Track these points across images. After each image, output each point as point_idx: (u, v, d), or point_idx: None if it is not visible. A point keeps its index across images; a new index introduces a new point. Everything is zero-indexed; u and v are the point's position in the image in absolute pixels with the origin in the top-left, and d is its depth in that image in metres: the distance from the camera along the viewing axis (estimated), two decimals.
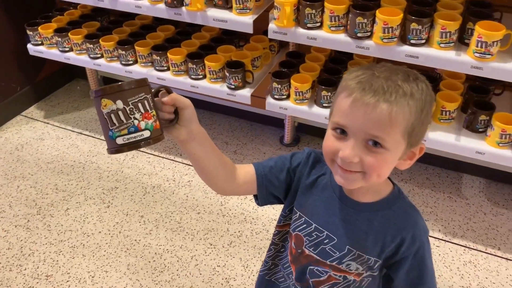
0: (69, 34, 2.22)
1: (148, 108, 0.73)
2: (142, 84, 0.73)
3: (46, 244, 1.98)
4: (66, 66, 2.91)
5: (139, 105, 0.72)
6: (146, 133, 0.73)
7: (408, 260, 0.86)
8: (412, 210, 0.90)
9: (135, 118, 0.72)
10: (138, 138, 0.73)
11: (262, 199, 0.96)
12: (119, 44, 2.13)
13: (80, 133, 2.65)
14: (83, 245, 1.98)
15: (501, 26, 1.45)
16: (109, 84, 0.73)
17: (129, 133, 0.72)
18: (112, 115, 0.71)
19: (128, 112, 0.71)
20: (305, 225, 0.92)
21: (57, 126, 2.69)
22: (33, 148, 2.52)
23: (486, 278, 1.84)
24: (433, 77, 1.87)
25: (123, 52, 2.13)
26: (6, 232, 2.03)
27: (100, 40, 2.15)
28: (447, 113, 1.73)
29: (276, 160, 0.96)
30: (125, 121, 0.72)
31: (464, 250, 1.96)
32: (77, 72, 3.05)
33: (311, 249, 0.91)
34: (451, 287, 1.80)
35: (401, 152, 0.79)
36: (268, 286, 1.09)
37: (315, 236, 0.90)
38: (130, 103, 0.71)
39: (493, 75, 1.50)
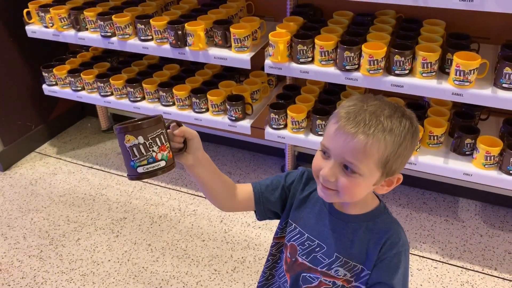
0: (81, 74, 2.39)
1: (163, 141, 0.84)
2: (159, 121, 0.84)
3: (58, 272, 2.07)
4: (77, 105, 3.08)
5: (157, 139, 0.83)
6: (162, 163, 0.85)
7: (382, 262, 0.93)
8: (394, 223, 0.98)
9: (153, 151, 0.83)
10: (156, 168, 0.84)
11: (260, 214, 1.08)
12: (128, 82, 2.29)
13: (91, 167, 2.77)
14: (93, 273, 2.06)
15: (477, 56, 1.58)
16: (130, 121, 0.84)
17: (148, 163, 0.83)
18: (134, 149, 0.81)
19: (148, 146, 0.82)
20: (298, 235, 1.02)
21: (69, 161, 2.83)
22: (46, 183, 2.64)
23: None
24: (421, 105, 1.99)
25: (132, 90, 2.28)
26: (20, 262, 2.13)
27: (110, 79, 2.31)
28: (435, 137, 1.83)
29: (272, 179, 1.08)
30: (145, 153, 0.82)
31: (461, 271, 2.01)
32: (88, 110, 3.21)
33: (304, 257, 1.00)
34: None
35: (375, 179, 0.88)
36: None
37: (307, 245, 1.00)
38: (149, 138, 0.82)
39: (472, 101, 1.61)
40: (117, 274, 2.05)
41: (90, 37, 2.19)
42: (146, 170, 0.84)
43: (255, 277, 2.00)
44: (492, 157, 1.71)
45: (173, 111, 2.24)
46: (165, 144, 0.84)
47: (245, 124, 2.09)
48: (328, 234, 0.97)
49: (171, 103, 2.25)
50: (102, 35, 2.14)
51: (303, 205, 1.03)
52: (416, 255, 2.10)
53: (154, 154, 0.83)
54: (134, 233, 2.28)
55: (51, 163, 2.82)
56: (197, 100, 2.15)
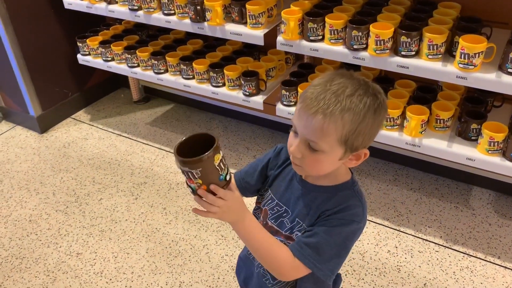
0: (111, 45, 2.54)
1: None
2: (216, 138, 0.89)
3: (79, 227, 2.26)
4: (112, 76, 3.26)
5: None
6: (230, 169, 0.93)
7: (324, 220, 0.97)
8: (354, 199, 1.00)
9: (226, 160, 0.91)
10: (231, 174, 0.93)
11: (249, 194, 1.17)
12: (153, 54, 2.41)
13: (119, 135, 2.95)
14: (111, 230, 2.23)
15: (483, 39, 1.56)
16: (181, 141, 0.89)
17: (228, 170, 0.91)
18: (221, 163, 0.88)
19: (224, 157, 0.90)
20: (270, 201, 1.09)
21: (100, 128, 3.02)
22: (78, 146, 2.85)
23: (481, 283, 1.90)
24: (432, 88, 1.98)
25: (156, 62, 2.41)
26: (48, 215, 2.33)
27: (136, 51, 2.45)
28: (442, 121, 1.83)
29: (252, 163, 1.16)
30: (226, 163, 0.90)
31: (463, 256, 2.02)
32: (122, 82, 3.39)
33: (272, 221, 1.08)
34: None
35: (339, 154, 0.92)
36: (245, 261, 1.25)
37: (276, 210, 1.07)
38: (221, 150, 0.88)
39: (476, 85, 1.60)
40: (132, 233, 2.21)
41: (119, 10, 2.32)
42: (229, 177, 0.92)
43: None
44: (496, 143, 1.70)
45: (192, 84, 2.34)
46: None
47: (258, 100, 2.16)
48: (294, 201, 1.04)
49: (191, 76, 2.36)
50: (129, 8, 2.27)
51: (279, 176, 1.10)
52: (419, 237, 2.12)
53: (226, 162, 0.91)
54: (152, 197, 2.43)
55: (84, 129, 3.02)
56: (215, 75, 2.24)
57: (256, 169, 1.13)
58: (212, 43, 2.53)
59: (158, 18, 2.22)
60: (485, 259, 2.00)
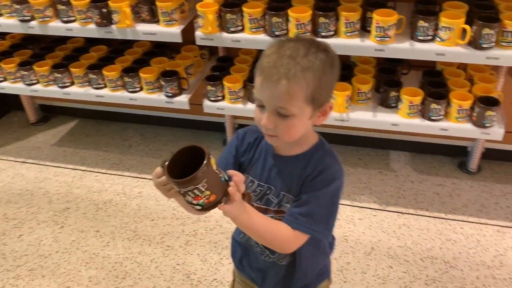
0: (0, 64, 2.26)
1: None
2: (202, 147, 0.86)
3: (2, 271, 1.99)
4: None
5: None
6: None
7: (308, 185, 1.01)
8: (330, 157, 1.05)
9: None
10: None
11: None
12: (54, 67, 2.20)
13: (24, 162, 2.65)
14: (41, 266, 2.01)
15: (393, 12, 1.69)
16: (172, 156, 0.86)
17: (222, 172, 0.88)
18: (216, 170, 0.85)
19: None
20: (251, 184, 1.09)
21: None
22: None
23: (419, 236, 2.07)
24: (349, 65, 2.10)
25: (59, 75, 2.20)
26: None
27: (34, 66, 2.21)
28: (363, 94, 1.95)
29: (220, 159, 1.12)
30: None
31: (398, 215, 2.19)
32: (12, 104, 3.04)
33: (258, 202, 1.09)
34: (389, 248, 2.01)
35: (309, 114, 0.94)
36: (243, 248, 1.22)
37: (259, 191, 1.08)
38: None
39: (394, 55, 1.73)
40: (67, 264, 2.01)
41: (6, 22, 2.07)
42: (227, 177, 0.90)
43: (209, 247, 2.05)
44: (415, 106, 1.86)
45: (106, 93, 2.19)
46: None
47: (183, 99, 2.09)
48: (274, 177, 1.06)
49: (102, 85, 2.20)
50: (20, 20, 2.03)
51: (252, 158, 1.10)
52: (356, 206, 2.24)
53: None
54: (79, 222, 2.23)
55: None
56: (130, 80, 2.12)
57: (228, 162, 1.11)
58: (118, 47, 2.38)
59: (56, 27, 2.02)
60: (416, 213, 2.19)
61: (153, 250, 2.05)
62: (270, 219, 1.03)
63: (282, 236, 1.00)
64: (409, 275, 1.89)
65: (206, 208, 0.87)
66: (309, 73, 0.89)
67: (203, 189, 0.83)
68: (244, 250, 1.21)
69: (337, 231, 2.10)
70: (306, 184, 1.00)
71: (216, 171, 0.85)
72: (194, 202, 0.85)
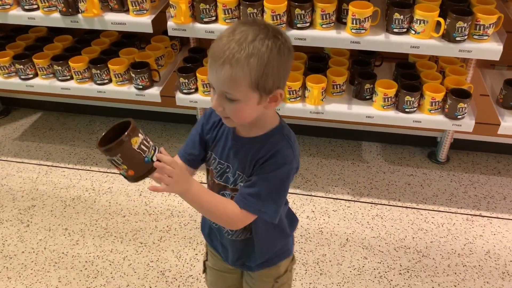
0: None
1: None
2: (132, 121, 0.89)
3: None
4: None
5: (140, 130, 0.90)
6: (156, 147, 0.92)
7: (259, 168, 1.02)
8: (285, 142, 1.04)
9: (150, 141, 0.90)
10: (158, 151, 0.92)
11: (197, 165, 1.15)
12: (16, 58, 2.08)
13: None
14: (7, 268, 1.91)
15: (369, 4, 1.68)
16: (114, 129, 0.88)
17: (155, 151, 0.90)
18: (142, 145, 0.87)
19: (146, 139, 0.89)
20: (213, 161, 1.11)
21: None
22: None
23: (392, 226, 2.10)
24: (323, 57, 2.09)
25: (21, 67, 2.08)
26: None
27: None
28: (337, 86, 1.95)
29: (189, 137, 1.15)
30: (149, 144, 0.89)
31: (371, 206, 2.21)
32: None
33: (218, 178, 1.11)
34: (364, 239, 2.03)
35: (256, 100, 0.94)
36: (205, 218, 1.26)
37: (220, 168, 1.10)
38: (141, 132, 0.89)
39: (369, 47, 1.73)
40: (34, 265, 1.92)
41: None
42: (156, 159, 0.91)
43: (183, 243, 2.01)
44: (389, 98, 1.87)
45: (71, 86, 2.09)
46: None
47: (154, 92, 2.03)
48: (232, 156, 1.08)
49: (68, 77, 2.10)
50: None
51: (216, 136, 1.12)
52: (330, 198, 2.25)
53: (152, 143, 0.90)
54: (46, 219, 2.13)
55: None
56: (98, 71, 2.03)
57: (195, 139, 1.13)
58: (84, 37, 2.28)
59: (17, 16, 1.91)
60: (389, 204, 2.22)
61: (126, 248, 2.00)
62: (220, 197, 1.06)
63: (230, 213, 1.03)
64: (384, 265, 1.92)
65: (130, 179, 0.90)
66: (252, 60, 0.88)
67: (119, 162, 0.87)
68: (210, 226, 1.26)
69: (312, 224, 2.11)
70: (257, 166, 1.02)
71: (139, 150, 0.87)
72: (117, 172, 0.91)
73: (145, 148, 0.88)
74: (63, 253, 1.97)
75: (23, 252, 1.98)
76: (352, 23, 1.69)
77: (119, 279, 1.87)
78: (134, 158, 0.88)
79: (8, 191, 2.29)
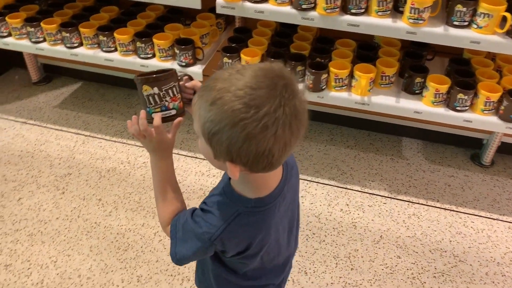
0: (6, 18, 2.13)
1: (175, 93, 0.96)
2: (172, 75, 0.94)
3: (1, 234, 1.93)
4: (0, 54, 2.79)
5: (169, 91, 0.95)
6: (173, 111, 0.97)
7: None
8: (222, 198, 0.91)
9: (166, 101, 0.95)
10: (167, 115, 0.96)
11: None
12: (63, 26, 2.08)
13: (25, 122, 2.56)
14: (41, 232, 1.95)
15: None
16: (148, 72, 0.96)
17: (161, 111, 0.95)
18: (150, 97, 0.94)
19: (162, 96, 0.94)
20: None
21: None
22: None
23: (429, 227, 2.03)
24: (373, 46, 2.01)
25: (67, 35, 2.08)
26: None
27: (41, 23, 2.09)
28: (387, 78, 1.87)
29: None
30: (159, 102, 0.94)
31: (408, 204, 2.14)
32: (14, 61, 2.92)
33: None
34: (398, 238, 1.97)
35: (210, 151, 0.79)
36: None
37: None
38: (163, 89, 0.94)
39: (426, 39, 1.64)
40: (67, 232, 1.95)
41: None
42: (161, 117, 0.95)
43: None
44: (441, 95, 1.79)
45: (115, 57, 2.08)
46: (176, 95, 0.96)
47: (197, 70, 2.00)
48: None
49: (112, 48, 2.09)
50: None
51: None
52: (366, 192, 2.19)
53: (166, 103, 0.95)
54: (81, 188, 2.16)
55: None
56: (142, 45, 2.01)
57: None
58: (130, 9, 2.26)
59: None
60: (426, 204, 2.15)
61: (157, 223, 2.00)
62: (177, 195, 1.00)
63: (164, 213, 0.99)
64: (418, 267, 1.86)
65: (177, 114, 0.96)
66: (210, 107, 0.73)
67: (177, 89, 0.95)
68: None
69: (345, 217, 2.06)
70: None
71: (145, 98, 0.94)
72: (171, 105, 0.95)
73: (152, 102, 0.94)
74: (95, 223, 1.99)
75: (57, 218, 2.01)
76: (410, 13, 1.60)
77: (149, 253, 1.87)
78: (143, 102, 0.95)
79: (46, 157, 2.33)
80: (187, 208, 1.00)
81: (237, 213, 0.87)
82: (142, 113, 0.93)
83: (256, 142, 0.72)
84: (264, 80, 0.72)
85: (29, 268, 1.80)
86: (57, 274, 1.78)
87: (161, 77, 0.92)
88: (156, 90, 0.93)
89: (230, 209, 0.88)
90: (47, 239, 1.92)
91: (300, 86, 0.77)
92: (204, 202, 0.93)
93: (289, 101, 0.73)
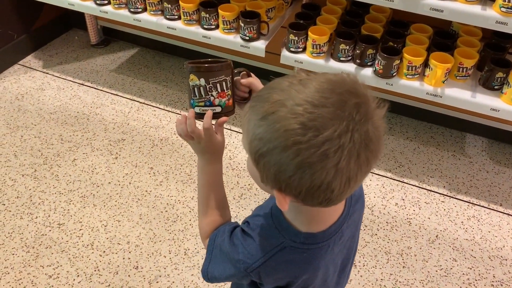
0: None
1: (224, 88, 0.86)
2: (226, 67, 0.85)
3: (55, 193, 1.97)
4: (63, 14, 2.82)
5: (218, 85, 0.85)
6: (218, 109, 0.87)
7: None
8: (267, 222, 0.81)
9: (211, 95, 0.86)
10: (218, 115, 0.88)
11: None
12: None
13: (82, 84, 2.58)
14: (93, 195, 1.97)
15: None
16: (199, 60, 0.86)
17: (205, 106, 0.86)
18: (195, 89, 0.85)
19: (208, 89, 0.85)
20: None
21: (57, 77, 2.62)
22: (34, 98, 2.45)
23: (489, 232, 1.91)
24: (450, 34, 1.87)
25: None
26: (13, 181, 2.00)
27: None
28: (464, 69, 1.73)
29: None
30: (203, 96, 0.86)
31: (468, 205, 2.02)
32: (75, 22, 2.94)
33: None
34: (456, 239, 1.87)
35: (257, 173, 0.68)
36: None
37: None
38: (211, 82, 0.85)
39: None
40: (119, 197, 1.97)
41: None
42: (202, 112, 0.87)
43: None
44: None
45: (178, 26, 2.04)
46: (225, 91, 0.86)
47: (260, 46, 1.92)
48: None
49: (176, 16, 2.04)
50: None
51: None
52: (424, 188, 2.08)
53: (212, 98, 0.86)
54: (134, 155, 2.17)
55: (37, 77, 2.60)
56: (207, 15, 1.95)
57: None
58: None
59: None
60: (488, 207, 2.02)
61: None
62: (222, 205, 0.90)
63: (205, 224, 0.90)
64: (475, 272, 1.76)
65: (222, 112, 0.87)
66: (260, 123, 0.62)
67: (228, 85, 0.85)
68: None
69: (400, 212, 1.97)
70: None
71: (191, 88, 0.86)
72: (217, 101, 0.86)
73: (196, 93, 0.86)
74: (146, 191, 2.00)
75: (109, 183, 2.03)
76: (504, 1, 1.46)
77: (196, 227, 1.86)
78: (188, 91, 0.88)
79: (101, 121, 2.34)
80: (231, 220, 0.91)
81: (281, 246, 0.74)
82: (191, 112, 0.85)
83: (312, 173, 0.59)
84: (331, 96, 0.58)
85: (80, 229, 1.83)
86: (107, 238, 1.80)
87: (211, 68, 0.83)
88: (202, 81, 0.84)
89: (274, 239, 0.75)
90: (99, 202, 1.94)
91: (377, 106, 0.61)
92: (247, 222, 0.81)
93: (360, 125, 0.58)
